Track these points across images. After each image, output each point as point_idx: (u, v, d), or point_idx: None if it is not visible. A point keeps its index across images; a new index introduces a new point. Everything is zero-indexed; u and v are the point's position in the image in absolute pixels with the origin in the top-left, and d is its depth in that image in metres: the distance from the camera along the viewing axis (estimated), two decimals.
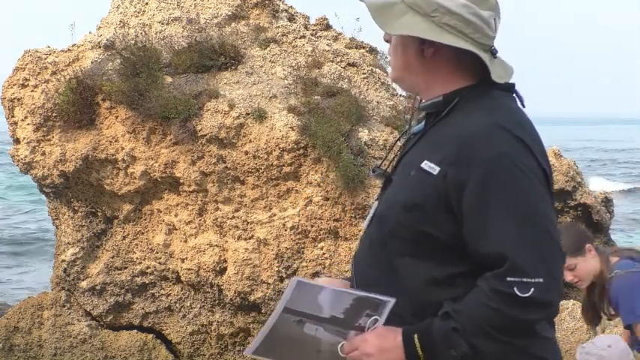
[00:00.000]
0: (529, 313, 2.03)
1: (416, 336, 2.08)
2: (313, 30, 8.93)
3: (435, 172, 2.10)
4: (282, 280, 7.74)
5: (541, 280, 2.01)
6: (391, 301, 2.12)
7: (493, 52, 2.22)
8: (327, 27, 9.09)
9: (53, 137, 8.16)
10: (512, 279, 2.01)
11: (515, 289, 2.00)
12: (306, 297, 2.09)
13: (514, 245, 2.02)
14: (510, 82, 2.26)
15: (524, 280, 2.00)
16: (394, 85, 8.61)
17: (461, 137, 2.11)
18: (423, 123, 2.27)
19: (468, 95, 2.22)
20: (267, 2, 8.67)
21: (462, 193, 2.07)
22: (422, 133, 2.25)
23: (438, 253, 2.12)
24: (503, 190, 2.06)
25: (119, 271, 8.37)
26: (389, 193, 2.24)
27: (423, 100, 2.34)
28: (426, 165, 2.13)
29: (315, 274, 7.65)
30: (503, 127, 2.12)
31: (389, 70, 2.38)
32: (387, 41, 2.30)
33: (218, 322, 8.18)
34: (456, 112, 2.21)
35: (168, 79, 7.92)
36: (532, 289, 2.00)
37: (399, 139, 2.45)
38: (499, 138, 2.09)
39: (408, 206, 2.12)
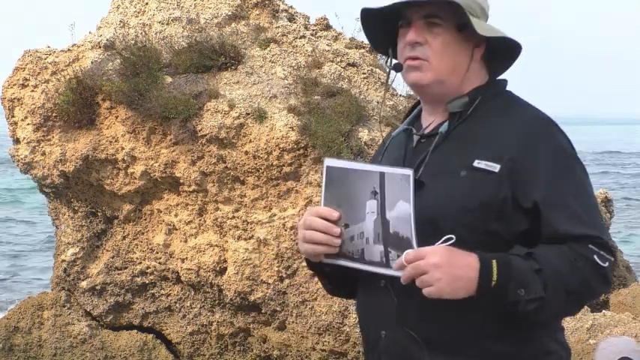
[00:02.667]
0: (600, 283, 2.09)
1: (494, 262, 2.03)
2: (313, 30, 8.93)
3: (497, 170, 2.11)
4: (282, 280, 7.74)
5: (612, 259, 2.11)
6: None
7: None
8: (327, 27, 9.09)
9: (53, 137, 8.16)
10: (593, 247, 2.07)
11: (595, 257, 2.07)
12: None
13: (598, 226, 2.12)
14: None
15: (603, 253, 2.08)
16: (394, 85, 8.62)
17: (518, 132, 2.15)
18: (446, 124, 2.22)
19: (488, 93, 2.26)
20: (267, 2, 8.66)
21: (533, 184, 2.10)
22: (446, 134, 2.21)
23: (498, 251, 2.10)
24: (572, 177, 2.15)
25: (119, 271, 8.37)
26: (430, 197, 2.14)
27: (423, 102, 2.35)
28: (481, 164, 2.12)
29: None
30: (550, 120, 2.21)
31: (413, 74, 2.23)
32: (415, 44, 2.22)
33: (218, 322, 8.18)
34: (482, 110, 2.23)
35: (169, 79, 7.92)
36: (607, 264, 2.09)
37: (387, 142, 2.39)
38: (554, 130, 2.19)
39: (470, 207, 2.10)
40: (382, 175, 2.07)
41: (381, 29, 2.33)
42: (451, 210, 2.10)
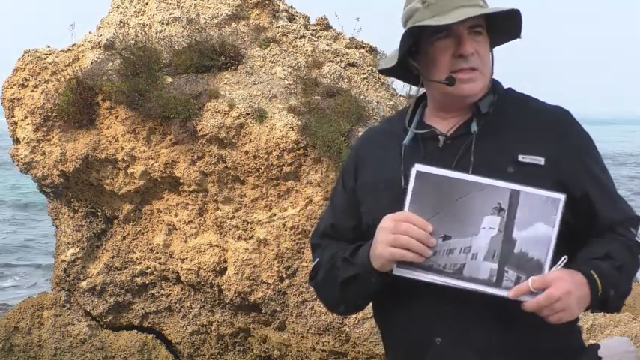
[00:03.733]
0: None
1: (593, 272, 2.08)
2: (313, 30, 8.93)
3: (542, 163, 2.15)
4: (282, 280, 7.74)
5: None
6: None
7: None
8: (327, 27, 9.09)
9: (53, 137, 8.16)
10: (633, 230, 2.20)
11: (638, 239, 2.21)
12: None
13: (629, 206, 2.26)
14: None
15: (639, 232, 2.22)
16: (394, 85, 8.62)
17: (549, 125, 2.22)
18: (474, 123, 2.24)
19: (499, 90, 2.33)
20: (267, 2, 8.66)
21: (581, 173, 2.19)
22: (478, 133, 2.24)
23: (563, 244, 2.14)
24: (603, 164, 2.28)
25: (119, 271, 8.37)
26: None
27: (427, 106, 2.38)
28: (526, 158, 2.17)
29: None
30: (566, 109, 2.30)
31: (468, 86, 2.23)
32: (470, 55, 2.23)
33: (218, 322, 8.18)
34: (500, 107, 2.28)
35: (169, 79, 7.92)
36: None
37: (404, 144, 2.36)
38: (574, 118, 2.29)
39: None
40: (515, 193, 2.03)
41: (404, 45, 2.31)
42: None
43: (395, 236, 2.10)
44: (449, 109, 2.30)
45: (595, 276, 2.06)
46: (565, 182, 2.15)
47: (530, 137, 2.19)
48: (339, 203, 2.42)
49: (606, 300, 2.10)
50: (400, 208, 2.16)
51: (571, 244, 2.17)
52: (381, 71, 2.47)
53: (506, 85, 2.38)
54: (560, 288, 2.01)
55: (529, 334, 2.15)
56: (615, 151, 52.15)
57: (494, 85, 2.33)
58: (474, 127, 2.23)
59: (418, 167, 2.10)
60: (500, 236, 2.02)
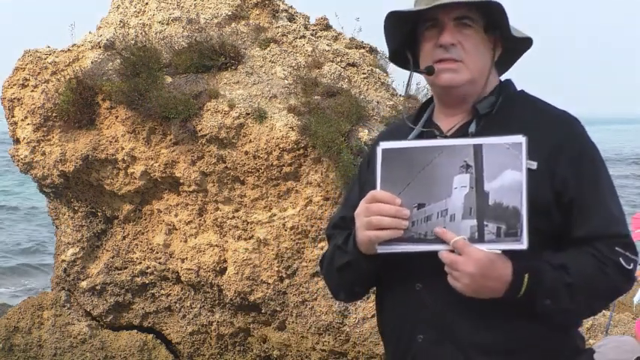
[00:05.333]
0: (624, 283, 2.16)
1: (527, 275, 2.06)
2: (313, 30, 8.93)
3: (534, 167, 2.13)
4: (282, 280, 7.74)
5: (637, 259, 2.17)
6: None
7: None
8: (327, 27, 9.09)
9: (53, 137, 8.16)
10: (620, 250, 2.12)
11: (621, 259, 2.12)
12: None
13: (623, 224, 2.19)
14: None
15: (628, 254, 2.14)
16: (394, 85, 8.63)
17: (550, 130, 2.19)
18: (473, 124, 2.23)
19: (507, 92, 2.30)
20: (267, 2, 8.66)
21: (571, 180, 2.15)
22: (474, 134, 2.22)
23: (541, 247, 2.12)
24: (604, 174, 2.22)
25: (119, 271, 8.37)
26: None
27: (433, 106, 2.36)
28: None
29: (316, 274, 7.65)
30: (576, 118, 2.26)
31: (447, 76, 2.22)
32: (450, 45, 2.21)
33: (218, 322, 8.18)
34: (506, 109, 2.26)
35: (169, 79, 7.92)
36: (631, 265, 2.15)
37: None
38: (582, 127, 2.24)
39: None
40: (479, 147, 2.04)
41: (397, 32, 2.31)
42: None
43: (367, 219, 2.12)
44: (449, 106, 2.30)
45: (525, 279, 2.05)
46: (557, 188, 2.14)
47: (529, 141, 2.14)
48: (352, 197, 2.45)
49: (544, 311, 2.08)
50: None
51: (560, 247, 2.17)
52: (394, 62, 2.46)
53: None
54: (465, 264, 2.02)
55: (515, 334, 2.15)
56: None
57: (503, 85, 2.31)
58: (472, 128, 2.23)
59: (382, 145, 2.13)
60: (472, 192, 2.03)
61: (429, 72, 2.25)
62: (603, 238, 2.13)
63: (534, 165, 2.12)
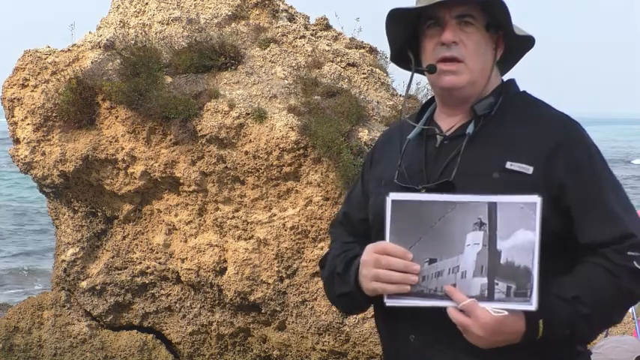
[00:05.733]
0: None
1: (541, 321, 2.02)
2: (313, 30, 8.93)
3: (530, 172, 2.09)
4: (282, 280, 7.74)
5: None
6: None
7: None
8: (327, 27, 9.09)
9: (53, 137, 8.15)
10: (632, 253, 2.06)
11: (635, 262, 2.05)
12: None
13: (634, 224, 2.10)
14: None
15: None
16: (394, 85, 8.63)
17: (548, 133, 2.14)
18: (471, 125, 2.20)
19: (508, 93, 2.26)
20: (267, 2, 8.66)
21: (568, 185, 2.10)
22: (472, 135, 2.19)
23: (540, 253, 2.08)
24: (606, 176, 2.15)
25: (119, 271, 8.37)
26: None
27: (438, 107, 2.33)
28: (514, 166, 2.11)
29: (316, 274, 7.65)
30: (573, 119, 2.20)
31: (448, 78, 2.19)
32: (452, 43, 2.18)
33: (218, 322, 8.18)
34: (506, 111, 2.22)
35: (169, 79, 7.92)
36: None
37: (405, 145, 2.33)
38: (582, 130, 2.19)
39: None
40: (493, 205, 2.01)
41: (399, 31, 2.28)
42: None
43: (375, 271, 2.09)
44: (449, 107, 2.28)
45: (540, 325, 2.02)
46: (554, 193, 2.10)
47: (525, 144, 2.13)
48: (355, 194, 2.43)
49: (563, 338, 2.05)
50: None
51: (570, 252, 2.13)
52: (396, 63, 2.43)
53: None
54: (474, 327, 2.00)
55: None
56: None
57: (504, 86, 2.28)
58: (470, 129, 2.20)
59: (392, 196, 2.09)
60: (485, 250, 2.01)
61: (430, 70, 2.22)
62: (612, 244, 2.07)
63: (530, 170, 2.09)
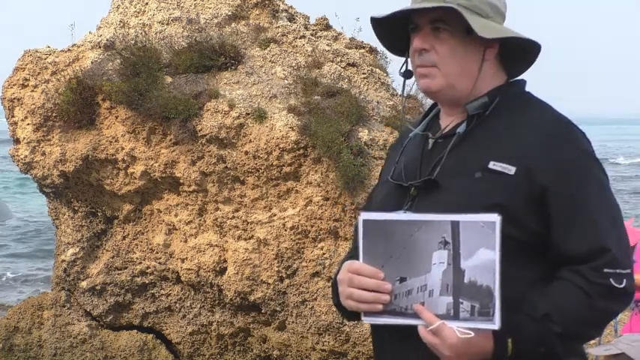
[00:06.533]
0: (619, 304, 2.07)
1: (510, 341, 2.03)
2: (313, 30, 8.93)
3: (512, 172, 2.07)
4: (282, 280, 7.74)
5: (629, 271, 2.06)
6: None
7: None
8: (327, 27, 9.09)
9: (53, 137, 8.16)
10: (608, 270, 2.03)
11: (611, 280, 2.03)
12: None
13: (613, 238, 2.06)
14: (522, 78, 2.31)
15: (618, 271, 2.04)
16: (394, 85, 8.63)
17: (536, 133, 2.11)
18: (463, 124, 2.19)
19: (507, 93, 2.23)
20: (267, 2, 8.66)
21: (551, 190, 2.07)
22: (463, 135, 2.18)
23: (515, 255, 2.07)
24: (594, 184, 2.10)
25: (119, 271, 8.37)
26: (447, 199, 2.13)
27: (438, 107, 2.34)
28: (496, 165, 2.10)
29: (316, 274, 7.65)
30: (570, 122, 2.16)
31: (423, 81, 2.21)
32: (422, 50, 2.19)
33: (218, 322, 8.18)
34: (501, 111, 2.20)
35: (169, 79, 7.92)
36: (624, 280, 2.04)
37: (404, 143, 2.35)
38: (575, 132, 2.14)
39: (484, 209, 2.04)
40: (455, 224, 2.02)
41: (396, 34, 2.30)
42: (465, 212, 2.04)
43: (349, 290, 2.13)
44: (445, 107, 2.30)
45: (509, 344, 2.01)
46: (535, 196, 2.07)
47: (512, 144, 2.11)
48: (374, 195, 2.46)
49: (539, 354, 2.04)
50: (390, 201, 2.21)
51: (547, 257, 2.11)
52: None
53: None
54: (442, 347, 2.02)
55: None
56: None
57: (506, 86, 2.25)
58: (461, 129, 2.19)
59: (364, 215, 2.13)
60: (450, 269, 2.03)
61: (405, 76, 2.27)
62: (588, 260, 2.04)
63: (512, 170, 2.07)
